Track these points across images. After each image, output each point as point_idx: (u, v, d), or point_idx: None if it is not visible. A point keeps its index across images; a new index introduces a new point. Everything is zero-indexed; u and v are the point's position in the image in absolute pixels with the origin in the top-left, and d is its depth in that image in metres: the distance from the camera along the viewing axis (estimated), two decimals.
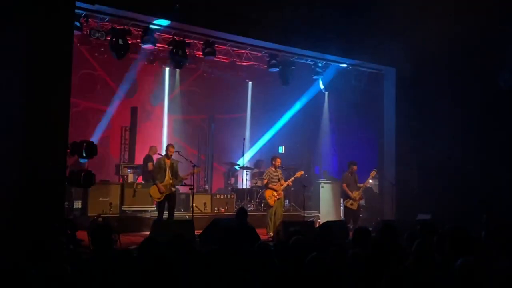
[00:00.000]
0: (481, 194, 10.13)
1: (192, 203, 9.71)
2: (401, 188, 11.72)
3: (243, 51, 12.28)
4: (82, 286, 3.12)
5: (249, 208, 11.97)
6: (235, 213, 9.22)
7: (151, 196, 9.77)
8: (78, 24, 9.10)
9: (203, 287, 3.59)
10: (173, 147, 9.75)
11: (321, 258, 3.55)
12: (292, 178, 10.59)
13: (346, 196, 10.99)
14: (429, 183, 11.22)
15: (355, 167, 11.03)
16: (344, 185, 10.94)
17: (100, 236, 3.97)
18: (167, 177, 9.45)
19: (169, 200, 9.49)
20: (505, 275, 3.30)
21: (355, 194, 10.87)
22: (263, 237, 9.32)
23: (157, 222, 8.64)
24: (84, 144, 7.44)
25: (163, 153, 11.38)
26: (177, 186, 10.02)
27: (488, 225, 6.28)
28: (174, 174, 9.56)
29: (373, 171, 11.35)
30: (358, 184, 11.01)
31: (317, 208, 12.23)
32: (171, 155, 9.61)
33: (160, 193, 9.40)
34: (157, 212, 9.74)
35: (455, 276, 3.34)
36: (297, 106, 15.10)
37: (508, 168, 10.12)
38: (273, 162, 10.40)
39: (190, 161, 9.92)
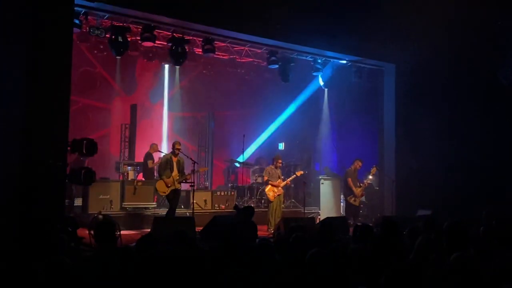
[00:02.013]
0: (481, 189, 10.15)
1: (193, 200, 9.73)
2: (401, 184, 11.73)
3: (243, 48, 12.27)
4: (85, 282, 3.13)
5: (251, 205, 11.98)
6: (234, 208, 9.29)
7: (157, 190, 9.79)
8: (77, 21, 9.08)
9: (204, 284, 3.60)
10: (179, 144, 9.75)
11: (322, 254, 3.56)
12: (292, 177, 10.64)
13: (349, 192, 11.01)
14: (429, 179, 11.23)
15: (360, 164, 11.07)
16: (350, 179, 10.96)
17: (103, 233, 3.97)
18: (174, 173, 9.48)
19: (174, 196, 9.51)
20: (502, 270, 3.31)
21: (358, 191, 10.91)
22: (264, 233, 9.36)
23: (159, 219, 8.66)
24: (85, 141, 7.44)
25: (163, 150, 11.44)
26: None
27: (488, 220, 6.28)
28: (181, 171, 9.60)
29: (373, 168, 11.37)
30: (359, 183, 11.05)
31: (317, 204, 12.24)
32: (178, 153, 9.63)
33: (168, 186, 9.43)
34: (169, 205, 9.72)
35: (449, 270, 3.34)
36: (297, 102, 15.10)
37: (508, 163, 10.14)
38: (274, 162, 10.45)
39: (191, 158, 9.93)
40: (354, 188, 10.91)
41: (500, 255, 3.95)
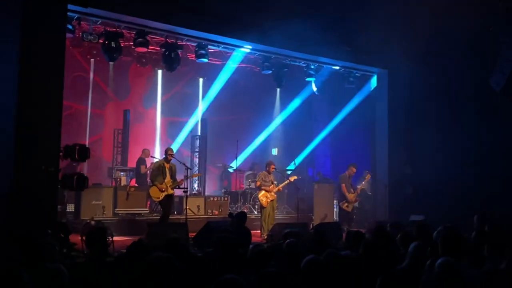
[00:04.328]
0: (472, 195, 10.21)
1: (186, 205, 9.70)
2: (394, 190, 11.77)
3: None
4: None
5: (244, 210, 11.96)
6: (228, 216, 9.25)
7: (150, 196, 9.75)
8: (70, 26, 9.06)
9: None
10: (172, 151, 9.73)
11: (318, 260, 3.56)
12: (286, 182, 10.63)
13: (342, 198, 10.99)
14: (422, 184, 11.27)
15: (354, 170, 11.05)
16: (343, 185, 10.93)
17: (95, 239, 3.95)
18: (167, 179, 9.45)
19: (167, 202, 9.48)
20: (494, 275, 3.33)
21: (351, 196, 10.90)
22: (257, 239, 9.34)
23: (152, 225, 8.62)
24: (77, 147, 7.41)
25: (156, 155, 11.40)
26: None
27: (480, 226, 6.32)
28: (173, 177, 9.58)
29: (368, 174, 11.37)
30: (353, 189, 11.03)
31: (311, 210, 12.24)
32: (170, 159, 9.60)
33: (161, 191, 9.39)
34: (162, 211, 9.68)
35: (435, 276, 3.36)
36: (290, 108, 15.14)
37: (500, 169, 10.19)
38: (267, 168, 10.45)
39: (184, 164, 9.91)
40: (347, 194, 10.90)
41: (492, 260, 3.97)
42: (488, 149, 10.52)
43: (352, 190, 11.04)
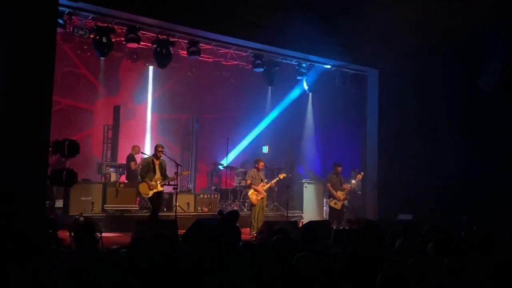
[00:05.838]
0: (460, 195, 10.30)
1: (176, 202, 9.68)
2: (383, 189, 11.83)
3: (228, 51, 12.26)
4: (66, 285, 3.08)
5: (234, 208, 11.96)
6: (218, 213, 9.27)
7: (140, 192, 9.70)
8: (61, 21, 8.98)
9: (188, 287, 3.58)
10: (162, 147, 9.70)
11: (309, 258, 3.58)
12: (275, 179, 10.66)
13: (330, 195, 11.05)
14: (411, 184, 11.35)
15: (339, 169, 11.12)
16: (329, 184, 11.01)
17: (83, 235, 3.93)
18: (157, 176, 9.42)
19: (157, 198, 9.45)
20: (486, 273, 3.37)
21: (340, 194, 10.94)
22: (246, 236, 9.36)
23: (141, 222, 8.59)
24: (67, 142, 7.36)
25: (146, 152, 11.35)
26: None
27: (468, 225, 6.39)
28: (163, 174, 9.55)
29: (360, 174, 11.40)
30: (343, 185, 11.07)
31: (300, 208, 12.28)
32: (160, 156, 9.57)
33: (150, 189, 9.35)
34: (151, 208, 9.65)
35: (443, 275, 3.40)
36: (281, 106, 15.14)
37: (488, 170, 10.29)
38: (256, 165, 10.47)
39: (175, 161, 9.89)
40: (335, 193, 10.94)
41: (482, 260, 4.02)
42: (477, 150, 10.62)
43: (341, 187, 11.05)
